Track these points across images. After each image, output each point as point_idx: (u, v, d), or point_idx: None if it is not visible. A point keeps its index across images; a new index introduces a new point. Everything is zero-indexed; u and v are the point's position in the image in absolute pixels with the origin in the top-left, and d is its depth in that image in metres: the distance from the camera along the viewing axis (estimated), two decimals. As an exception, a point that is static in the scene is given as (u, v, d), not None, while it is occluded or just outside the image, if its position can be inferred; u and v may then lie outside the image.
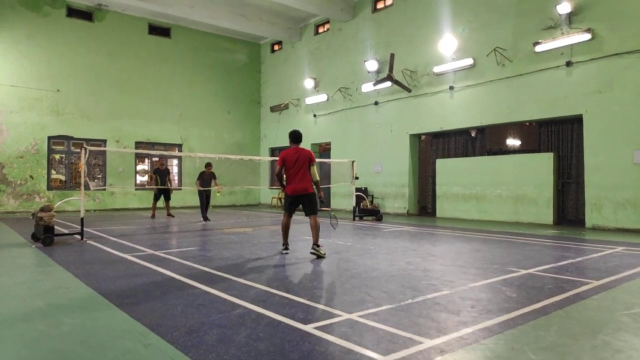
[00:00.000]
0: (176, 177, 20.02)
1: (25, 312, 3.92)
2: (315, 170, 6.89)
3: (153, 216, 14.10)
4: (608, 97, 10.65)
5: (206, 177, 12.78)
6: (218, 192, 13.53)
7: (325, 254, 6.72)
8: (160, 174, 13.87)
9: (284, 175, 6.92)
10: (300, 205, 6.95)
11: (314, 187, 6.91)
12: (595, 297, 4.37)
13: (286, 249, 7.09)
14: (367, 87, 16.32)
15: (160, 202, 14.24)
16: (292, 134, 7.03)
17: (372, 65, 16.04)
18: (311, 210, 6.84)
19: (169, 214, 14.14)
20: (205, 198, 12.82)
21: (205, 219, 12.77)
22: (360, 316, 3.72)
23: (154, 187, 13.73)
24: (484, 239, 8.94)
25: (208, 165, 12.89)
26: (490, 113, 13.00)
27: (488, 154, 14.03)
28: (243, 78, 22.09)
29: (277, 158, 17.94)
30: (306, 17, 19.23)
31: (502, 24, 12.66)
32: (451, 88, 13.93)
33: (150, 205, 14.67)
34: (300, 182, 6.77)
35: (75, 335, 3.32)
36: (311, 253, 6.75)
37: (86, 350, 3.03)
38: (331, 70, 18.42)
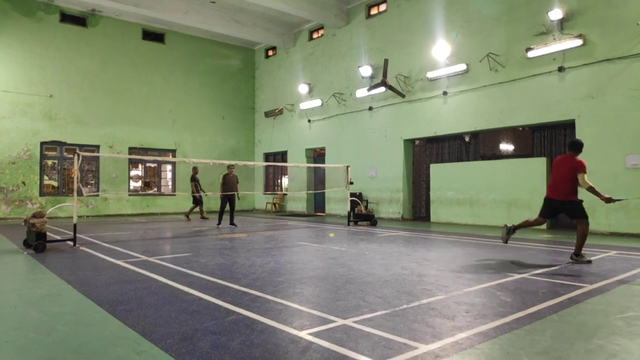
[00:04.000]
0: (170, 183, 19.96)
1: (17, 320, 3.88)
2: (584, 178, 6.56)
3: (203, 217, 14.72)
4: (600, 102, 10.75)
5: (230, 180, 12.47)
6: (238, 198, 13.29)
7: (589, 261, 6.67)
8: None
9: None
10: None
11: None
12: (589, 301, 4.38)
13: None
14: (361, 92, 16.39)
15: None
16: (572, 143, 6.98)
17: (366, 70, 16.11)
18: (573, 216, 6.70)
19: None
20: (229, 202, 12.61)
21: (220, 222, 12.85)
22: (355, 322, 3.71)
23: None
24: (478, 243, 8.96)
25: (230, 166, 12.64)
26: (483, 118, 13.08)
27: (482, 159, 14.09)
28: (237, 83, 22.09)
29: (270, 163, 18.08)
30: (300, 23, 19.30)
31: (495, 30, 12.77)
32: (445, 93, 14.01)
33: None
34: (556, 188, 6.75)
35: (67, 343, 3.28)
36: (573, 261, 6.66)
37: (78, 358, 2.99)
38: (325, 75, 18.47)
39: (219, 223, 12.94)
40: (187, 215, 15.54)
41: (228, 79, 21.73)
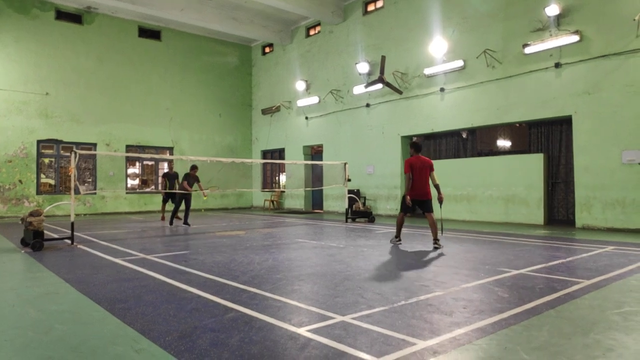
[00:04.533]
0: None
1: (15, 318, 3.87)
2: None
3: (163, 219, 14.13)
4: (596, 98, 10.77)
5: (191, 180, 12.51)
6: (205, 197, 13.21)
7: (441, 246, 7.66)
8: (169, 177, 13.92)
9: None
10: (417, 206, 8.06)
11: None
12: (586, 297, 4.41)
13: (399, 240, 8.34)
14: (359, 89, 16.37)
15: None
16: (415, 144, 8.00)
17: (363, 67, 16.09)
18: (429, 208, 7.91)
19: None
20: (185, 202, 12.43)
21: (172, 223, 12.66)
22: (354, 318, 3.72)
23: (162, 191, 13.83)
24: (475, 239, 8.99)
25: (194, 167, 12.68)
26: (480, 114, 13.09)
27: (479, 155, 14.12)
28: (234, 81, 22.03)
29: (268, 161, 18.02)
30: (297, 20, 19.25)
31: (492, 27, 12.78)
32: (442, 90, 14.01)
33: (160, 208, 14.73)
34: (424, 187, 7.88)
35: (65, 342, 3.28)
36: (434, 248, 7.62)
37: (77, 357, 2.99)
38: (322, 72, 18.44)
39: (171, 223, 12.71)
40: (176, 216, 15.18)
41: (225, 76, 21.67)
